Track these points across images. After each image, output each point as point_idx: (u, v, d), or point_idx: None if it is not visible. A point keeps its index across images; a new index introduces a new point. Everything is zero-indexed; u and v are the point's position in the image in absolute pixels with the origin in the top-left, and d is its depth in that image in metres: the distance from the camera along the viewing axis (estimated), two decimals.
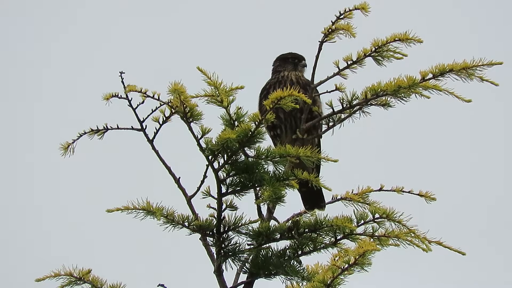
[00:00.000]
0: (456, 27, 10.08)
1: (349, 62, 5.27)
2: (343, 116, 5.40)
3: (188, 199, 5.11)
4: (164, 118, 5.01)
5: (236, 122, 5.02)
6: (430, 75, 5.13)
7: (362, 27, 5.19)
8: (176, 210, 5.09)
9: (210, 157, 4.98)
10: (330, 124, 5.46)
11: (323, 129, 5.56)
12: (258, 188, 5.07)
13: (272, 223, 5.16)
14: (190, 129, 4.98)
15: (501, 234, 8.97)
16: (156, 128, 5.06)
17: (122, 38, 10.56)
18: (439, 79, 5.13)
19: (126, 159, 8.83)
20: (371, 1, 5.15)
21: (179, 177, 5.10)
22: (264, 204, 5.23)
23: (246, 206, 5.12)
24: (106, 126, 5.08)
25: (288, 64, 5.95)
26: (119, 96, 5.01)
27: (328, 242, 5.02)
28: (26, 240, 9.19)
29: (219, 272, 5.10)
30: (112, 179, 8.98)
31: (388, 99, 5.24)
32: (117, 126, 5.09)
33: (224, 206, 5.07)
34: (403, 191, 5.30)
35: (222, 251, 5.09)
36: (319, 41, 5.32)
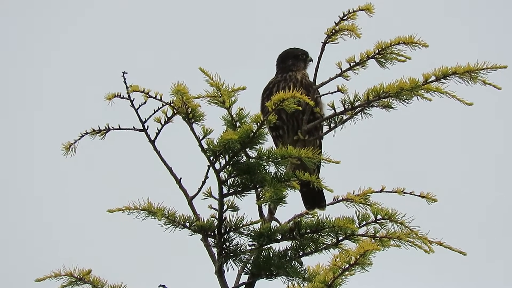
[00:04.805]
0: (457, 31, 10.09)
1: (351, 64, 5.27)
2: (344, 117, 5.41)
3: (190, 199, 5.11)
4: (166, 119, 5.01)
5: (238, 123, 5.03)
6: (433, 78, 5.13)
7: (363, 29, 5.20)
8: (177, 210, 5.09)
9: (211, 158, 4.98)
10: (332, 125, 5.46)
11: (324, 130, 5.56)
12: (259, 189, 5.07)
13: (274, 224, 5.16)
14: (192, 130, 4.98)
15: (502, 235, 8.98)
16: (158, 129, 5.05)
17: (125, 38, 10.56)
18: (441, 82, 5.13)
19: (127, 160, 8.84)
20: (373, 2, 5.15)
21: (181, 178, 5.11)
22: (266, 205, 5.22)
23: (247, 207, 5.12)
24: (108, 127, 5.08)
25: (301, 62, 5.92)
26: (122, 96, 5.00)
27: (329, 243, 5.02)
28: (26, 240, 9.19)
29: (220, 273, 5.10)
30: (113, 180, 8.98)
31: (390, 101, 5.24)
32: (119, 127, 5.09)
33: (225, 207, 5.07)
34: (404, 192, 5.30)
35: (223, 252, 5.09)
36: (322, 42, 5.32)
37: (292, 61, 5.90)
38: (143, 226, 5.14)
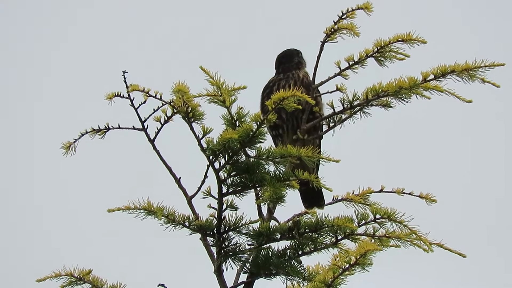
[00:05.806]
0: (457, 27, 10.08)
1: (350, 63, 5.27)
2: (344, 116, 5.41)
3: (189, 199, 5.11)
4: (166, 118, 5.01)
5: (237, 122, 5.03)
6: (432, 76, 5.13)
7: (361, 28, 5.20)
8: (176, 210, 5.09)
9: (211, 157, 4.98)
10: (331, 124, 5.46)
11: (323, 130, 5.56)
12: (258, 188, 5.07)
13: (273, 223, 5.16)
14: (192, 129, 4.98)
15: (502, 236, 8.98)
16: (157, 128, 5.06)
17: (124, 37, 10.57)
18: (440, 80, 5.13)
19: (127, 159, 8.84)
20: (372, 0, 5.16)
21: (180, 177, 5.11)
22: (265, 204, 5.22)
23: (246, 206, 5.12)
24: (108, 126, 5.08)
25: (300, 61, 5.90)
26: (122, 95, 5.00)
27: (328, 242, 5.02)
28: (26, 240, 9.20)
29: (219, 272, 5.10)
30: (113, 179, 8.99)
31: (389, 100, 5.25)
32: (119, 126, 5.08)
33: (224, 206, 5.07)
34: (404, 193, 5.29)
35: (222, 251, 5.09)
36: (320, 41, 5.32)
37: (292, 61, 5.90)
38: (143, 225, 5.14)
